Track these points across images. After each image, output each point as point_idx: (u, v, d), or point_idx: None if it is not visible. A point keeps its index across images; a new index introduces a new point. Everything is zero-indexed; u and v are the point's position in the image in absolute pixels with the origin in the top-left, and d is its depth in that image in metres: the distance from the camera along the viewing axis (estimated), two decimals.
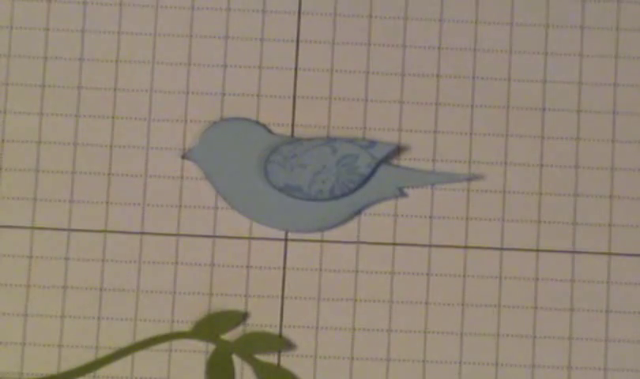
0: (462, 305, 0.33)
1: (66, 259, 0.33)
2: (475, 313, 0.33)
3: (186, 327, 0.32)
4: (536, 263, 0.33)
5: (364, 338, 0.33)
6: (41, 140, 0.33)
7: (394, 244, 0.33)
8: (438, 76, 0.33)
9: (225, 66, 0.33)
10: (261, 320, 0.33)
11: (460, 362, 0.32)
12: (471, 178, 0.33)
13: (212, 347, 0.32)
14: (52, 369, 0.32)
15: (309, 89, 0.33)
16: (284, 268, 0.33)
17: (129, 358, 0.32)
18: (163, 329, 0.32)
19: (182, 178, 0.33)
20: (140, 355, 0.32)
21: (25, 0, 0.33)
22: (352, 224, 0.33)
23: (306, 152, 0.32)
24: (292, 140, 0.32)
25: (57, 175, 0.33)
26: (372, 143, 0.33)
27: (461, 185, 0.33)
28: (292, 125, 0.33)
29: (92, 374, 0.32)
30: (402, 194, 0.33)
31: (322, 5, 0.33)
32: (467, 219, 0.33)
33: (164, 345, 0.32)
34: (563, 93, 0.33)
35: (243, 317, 0.32)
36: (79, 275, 0.33)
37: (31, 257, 0.33)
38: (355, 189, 0.33)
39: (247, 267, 0.33)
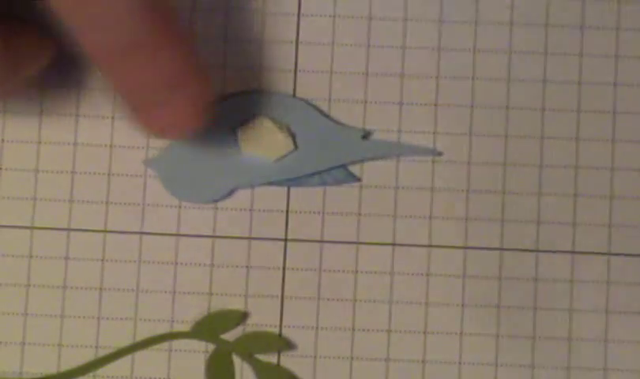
0: (462, 305, 0.33)
1: (66, 259, 0.33)
2: (475, 313, 0.33)
3: (186, 327, 0.32)
4: (535, 263, 0.33)
5: (364, 338, 0.33)
6: (41, 141, 0.33)
7: (394, 244, 0.33)
8: (437, 76, 0.33)
9: (225, 67, 0.33)
10: (261, 320, 0.33)
11: (460, 362, 0.32)
12: (434, 152, 0.33)
13: (212, 346, 0.32)
14: (52, 369, 0.32)
15: (309, 90, 0.33)
16: (284, 268, 0.33)
17: (129, 358, 0.32)
18: (163, 329, 0.32)
19: None
20: (140, 355, 0.32)
21: None
22: (352, 224, 0.33)
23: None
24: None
25: (57, 175, 0.33)
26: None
27: (460, 186, 0.33)
28: None
29: (91, 374, 0.32)
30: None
31: (322, 6, 0.33)
32: (466, 219, 0.33)
33: (164, 345, 0.32)
34: (563, 93, 0.33)
35: (243, 316, 0.33)
36: (79, 275, 0.33)
37: (31, 256, 0.33)
38: None
39: (247, 267, 0.33)
